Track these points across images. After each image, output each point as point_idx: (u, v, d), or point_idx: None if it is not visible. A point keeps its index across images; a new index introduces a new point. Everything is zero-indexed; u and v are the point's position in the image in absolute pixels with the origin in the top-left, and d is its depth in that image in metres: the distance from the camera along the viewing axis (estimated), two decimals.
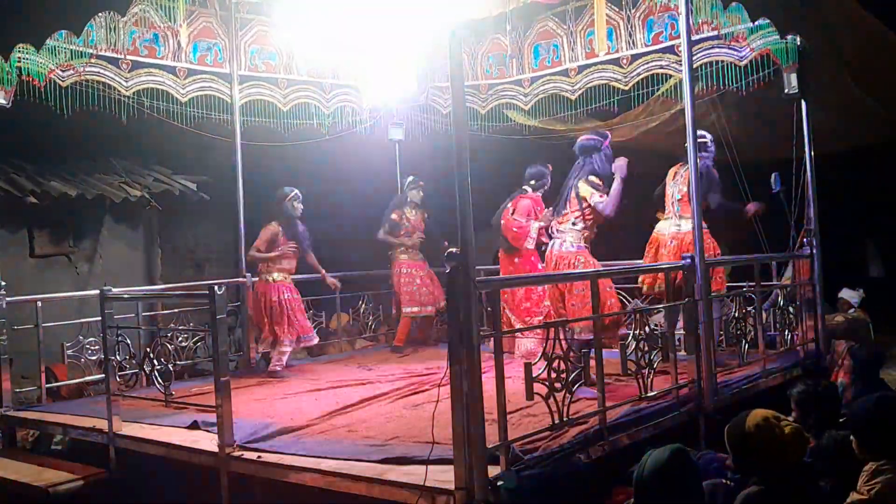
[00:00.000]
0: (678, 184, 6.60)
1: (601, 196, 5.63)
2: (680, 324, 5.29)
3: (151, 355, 5.37)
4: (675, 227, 6.56)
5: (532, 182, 6.84)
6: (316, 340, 7.44)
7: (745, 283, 6.45)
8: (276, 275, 7.06)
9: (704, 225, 6.41)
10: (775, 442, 3.20)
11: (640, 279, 6.78)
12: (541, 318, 6.48)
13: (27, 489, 4.87)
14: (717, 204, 6.42)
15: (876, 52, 6.20)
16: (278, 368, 6.91)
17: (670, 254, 6.40)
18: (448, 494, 3.43)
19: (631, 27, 7.19)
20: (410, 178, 8.30)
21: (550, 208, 6.21)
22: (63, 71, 6.15)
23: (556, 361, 3.90)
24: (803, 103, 6.25)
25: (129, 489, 4.93)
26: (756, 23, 5.78)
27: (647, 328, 4.69)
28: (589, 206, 5.65)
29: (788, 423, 3.32)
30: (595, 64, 7.55)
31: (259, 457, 4.25)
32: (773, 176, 6.58)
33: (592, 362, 4.50)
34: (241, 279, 7.51)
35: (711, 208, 6.38)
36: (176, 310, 7.33)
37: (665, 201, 6.75)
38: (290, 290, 7.12)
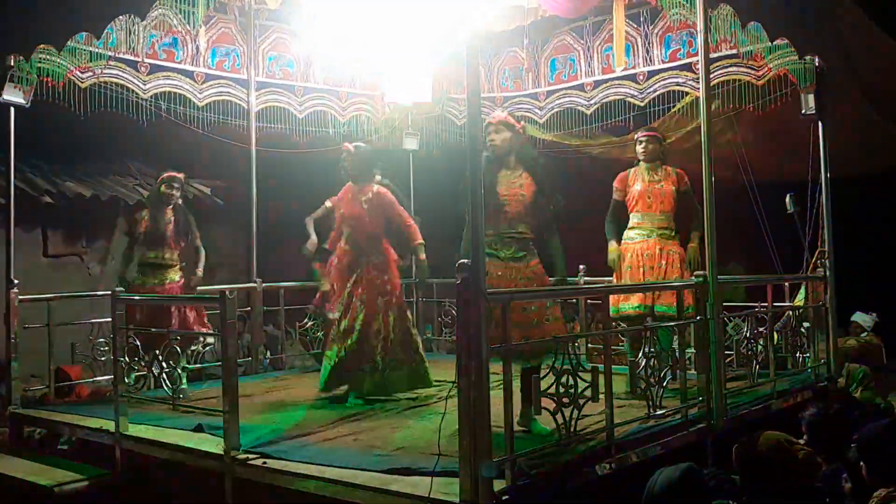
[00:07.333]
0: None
1: None
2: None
3: (160, 357, 5.37)
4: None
5: None
6: None
7: (757, 304, 6.39)
8: None
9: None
10: (788, 465, 3.18)
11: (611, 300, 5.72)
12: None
13: (33, 487, 4.88)
14: None
15: (893, 74, 6.17)
16: None
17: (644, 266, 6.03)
18: None
19: (648, 44, 7.19)
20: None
21: None
22: (82, 72, 6.21)
23: (565, 376, 3.88)
24: (820, 124, 6.21)
25: (134, 490, 4.93)
26: (774, 42, 5.77)
27: (657, 346, 4.65)
28: None
29: (801, 446, 3.29)
30: (611, 79, 7.55)
31: (264, 462, 4.23)
32: (788, 196, 6.54)
33: None
34: (251, 284, 7.53)
35: None
36: None
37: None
38: None
